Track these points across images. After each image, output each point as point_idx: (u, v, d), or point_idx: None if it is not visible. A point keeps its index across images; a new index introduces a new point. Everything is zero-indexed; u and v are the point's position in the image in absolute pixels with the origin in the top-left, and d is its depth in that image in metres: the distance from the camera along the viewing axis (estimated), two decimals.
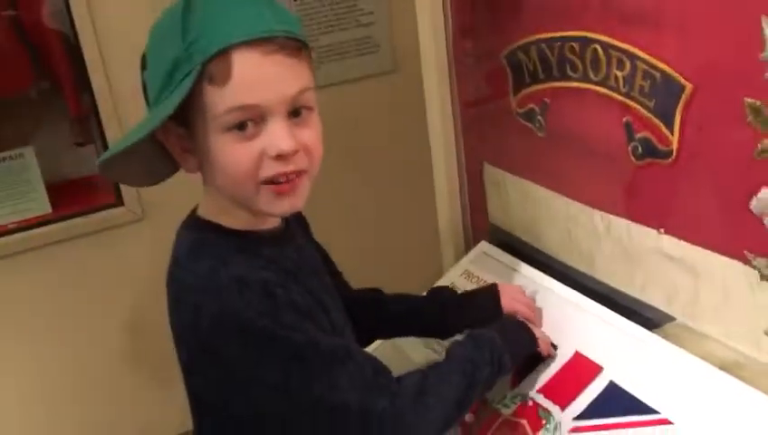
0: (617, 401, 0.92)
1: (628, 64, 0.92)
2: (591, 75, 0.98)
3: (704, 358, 0.91)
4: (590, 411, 0.93)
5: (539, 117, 1.11)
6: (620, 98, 0.94)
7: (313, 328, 0.77)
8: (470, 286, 1.21)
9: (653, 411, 0.89)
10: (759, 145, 0.78)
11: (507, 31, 1.13)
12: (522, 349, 0.97)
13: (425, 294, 1.15)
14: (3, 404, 1.86)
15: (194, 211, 0.87)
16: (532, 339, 0.98)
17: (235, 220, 0.82)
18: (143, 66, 0.80)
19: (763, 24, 0.74)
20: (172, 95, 0.72)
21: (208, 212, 0.84)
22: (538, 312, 1.08)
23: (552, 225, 1.15)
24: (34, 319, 1.88)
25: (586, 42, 0.97)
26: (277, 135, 0.74)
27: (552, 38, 1.03)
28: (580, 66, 1.00)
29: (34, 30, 1.93)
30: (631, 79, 0.92)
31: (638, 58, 0.90)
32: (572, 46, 1.00)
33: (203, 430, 0.89)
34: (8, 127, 2.00)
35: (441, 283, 1.26)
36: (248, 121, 0.74)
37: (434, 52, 1.29)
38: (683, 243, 0.92)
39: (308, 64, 0.77)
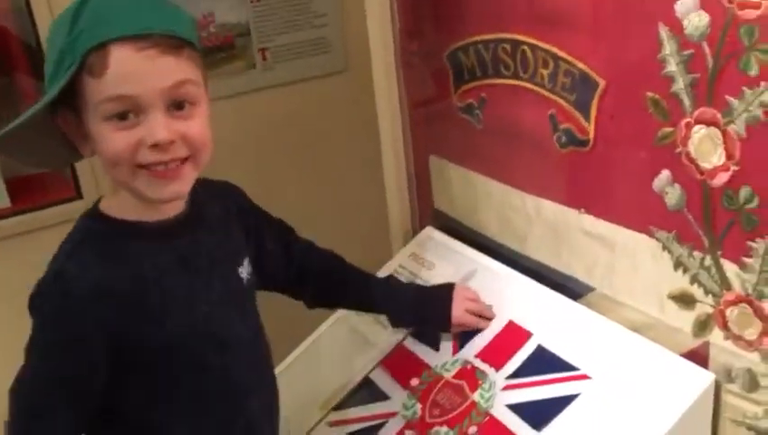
0: (544, 362, 1.04)
1: (551, 63, 1.04)
2: (521, 73, 1.10)
3: (618, 322, 1.04)
4: (520, 371, 1.05)
5: (477, 111, 1.23)
6: (546, 93, 1.07)
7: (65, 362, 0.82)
8: (416, 266, 1.32)
9: (574, 369, 1.01)
10: (659, 133, 0.91)
11: (448, 33, 1.24)
12: None
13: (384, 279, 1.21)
14: None
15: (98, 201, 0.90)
16: None
17: (126, 210, 0.86)
18: (43, 60, 0.84)
19: (660, 30, 0.87)
20: (58, 84, 0.78)
21: (107, 201, 0.89)
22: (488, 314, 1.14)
23: (489, 209, 1.27)
24: None
25: (516, 43, 1.09)
26: (152, 125, 0.78)
27: (487, 40, 1.15)
28: (511, 65, 1.12)
29: None
30: (555, 76, 1.04)
31: (560, 58, 1.02)
32: (505, 47, 1.12)
33: None
34: None
35: (390, 265, 1.36)
36: (129, 112, 0.78)
37: (382, 52, 1.39)
38: (600, 221, 1.04)
39: (191, 62, 0.82)
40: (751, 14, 0.77)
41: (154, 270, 0.85)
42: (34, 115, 0.80)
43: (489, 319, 1.14)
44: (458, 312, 1.12)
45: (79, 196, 2.00)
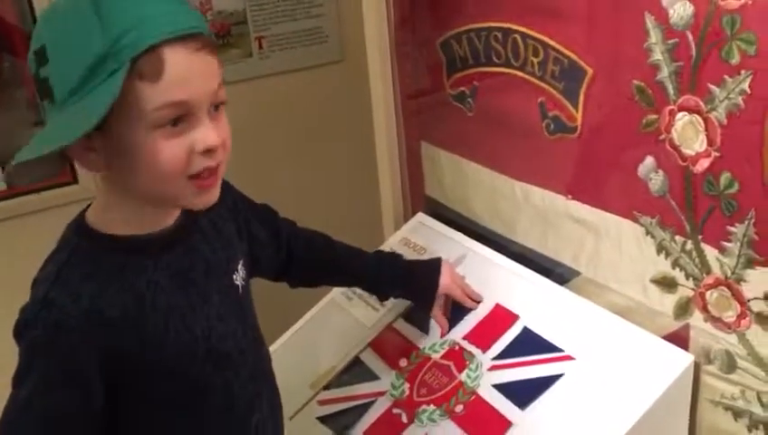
0: (529, 343, 1.07)
1: (541, 52, 1.06)
2: (512, 61, 1.13)
3: (603, 306, 1.07)
4: (507, 352, 1.07)
5: (469, 98, 1.25)
6: (536, 81, 1.09)
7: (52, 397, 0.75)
8: (407, 252, 1.34)
9: (559, 350, 1.03)
10: (644, 120, 0.93)
11: (442, 22, 1.26)
12: None
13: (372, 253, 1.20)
14: None
15: (84, 212, 0.83)
16: None
17: (116, 225, 0.80)
18: (41, 61, 0.73)
19: (646, 19, 0.89)
20: (98, 93, 0.69)
21: (96, 215, 0.81)
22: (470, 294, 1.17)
23: (479, 195, 1.29)
24: None
25: (508, 32, 1.12)
26: (204, 130, 0.74)
27: (479, 28, 1.17)
28: (503, 53, 1.14)
29: None
30: (544, 64, 1.07)
31: (550, 47, 1.05)
32: (497, 36, 1.14)
33: None
34: None
35: (381, 249, 1.39)
36: (181, 118, 0.73)
37: (377, 40, 1.41)
38: (586, 206, 1.07)
39: (220, 61, 0.78)
40: (733, 3, 0.79)
41: (148, 290, 0.80)
42: (74, 135, 0.70)
43: (476, 301, 1.16)
44: (446, 280, 1.14)
45: (75, 181, 2.02)
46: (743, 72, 0.80)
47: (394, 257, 1.20)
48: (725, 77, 0.82)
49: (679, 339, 0.97)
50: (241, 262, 0.94)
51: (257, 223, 1.02)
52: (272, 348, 1.25)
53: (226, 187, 0.95)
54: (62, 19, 0.72)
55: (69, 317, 0.74)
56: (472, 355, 1.10)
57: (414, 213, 1.45)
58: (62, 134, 0.70)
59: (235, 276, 0.91)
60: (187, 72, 0.72)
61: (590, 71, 1.00)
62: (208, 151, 0.75)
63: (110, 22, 0.69)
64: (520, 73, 1.12)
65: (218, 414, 0.87)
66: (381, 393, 1.12)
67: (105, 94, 0.68)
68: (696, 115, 0.86)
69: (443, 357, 1.13)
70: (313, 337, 1.30)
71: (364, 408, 1.12)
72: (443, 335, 1.16)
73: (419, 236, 1.37)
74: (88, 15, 0.70)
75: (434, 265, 1.17)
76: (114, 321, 0.76)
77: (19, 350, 0.76)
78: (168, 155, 0.73)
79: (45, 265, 0.80)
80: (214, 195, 0.80)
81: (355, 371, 1.19)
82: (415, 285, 1.17)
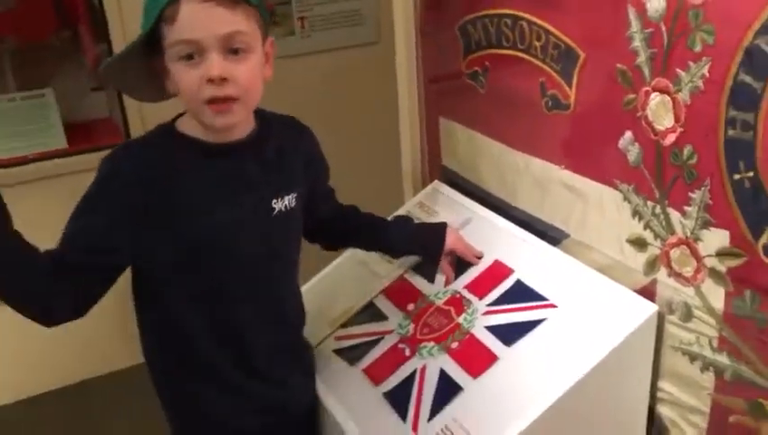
0: (520, 293, 1.22)
1: (543, 37, 1.20)
2: (519, 44, 1.27)
3: (587, 263, 1.21)
4: (499, 300, 1.23)
5: (481, 77, 1.39)
6: (538, 62, 1.23)
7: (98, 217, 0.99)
8: (422, 214, 1.50)
9: (544, 299, 1.18)
10: (625, 98, 1.07)
11: (461, 8, 1.41)
12: None
13: (390, 218, 1.42)
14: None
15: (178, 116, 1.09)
16: None
17: (192, 128, 1.04)
18: None
19: (629, 11, 1.03)
20: (144, 29, 0.98)
21: (182, 120, 1.07)
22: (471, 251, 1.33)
23: (488, 166, 1.44)
24: (42, 243, 2.14)
25: (516, 19, 1.26)
26: (208, 64, 0.96)
27: (492, 14, 1.32)
28: (511, 37, 1.28)
29: None
30: (545, 48, 1.21)
31: (551, 32, 1.19)
32: (506, 21, 1.28)
33: None
34: (32, 69, 2.26)
35: (401, 212, 1.55)
36: (194, 54, 0.95)
37: (404, 24, 1.56)
38: (576, 175, 1.21)
39: (246, 16, 0.98)
40: None
41: (189, 175, 1.03)
42: (130, 50, 1.00)
43: (477, 257, 1.31)
44: (451, 238, 1.31)
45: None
46: (703, 58, 0.93)
47: (406, 224, 1.38)
48: (690, 63, 0.95)
49: (648, 292, 1.11)
50: (291, 195, 1.13)
51: (321, 188, 1.26)
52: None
53: (309, 138, 1.22)
54: None
55: (122, 167, 1.01)
56: (470, 302, 1.25)
57: (432, 180, 1.60)
58: (123, 51, 1.01)
59: (274, 201, 1.11)
60: (194, 17, 0.95)
61: (582, 55, 1.14)
62: (211, 81, 0.96)
63: None
64: (525, 56, 1.26)
65: (207, 298, 1.08)
66: (390, 332, 1.29)
67: (145, 30, 0.98)
68: (666, 95, 1.00)
69: (445, 303, 1.28)
70: (335, 283, 1.47)
71: (374, 343, 1.28)
72: (447, 285, 1.31)
73: (434, 201, 1.53)
74: None
75: (440, 228, 1.34)
76: (150, 181, 1.00)
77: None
78: (185, 82, 0.98)
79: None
80: (229, 119, 1.01)
81: (369, 312, 1.35)
82: (425, 243, 1.34)
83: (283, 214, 1.12)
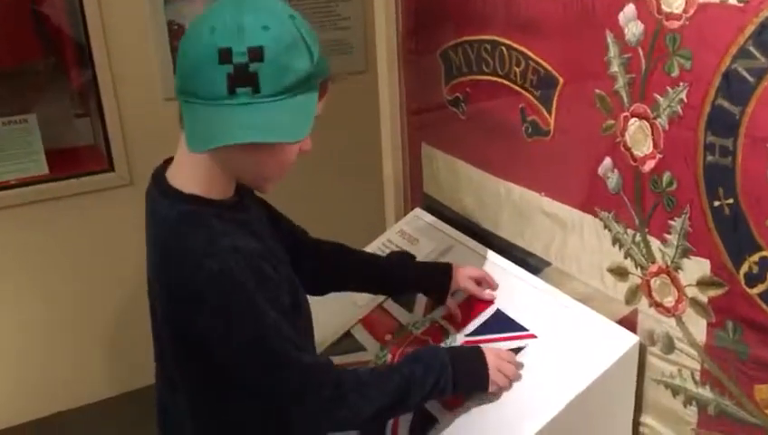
0: (500, 323, 1.19)
1: (523, 62, 1.19)
2: (498, 70, 1.25)
3: (568, 293, 1.18)
4: (479, 330, 1.19)
5: (462, 103, 1.38)
6: (517, 88, 1.22)
7: (279, 309, 0.92)
8: (402, 242, 1.47)
9: (524, 329, 1.15)
10: (603, 124, 1.05)
11: (442, 34, 1.40)
12: (471, 384, 1.05)
13: (385, 255, 1.34)
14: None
15: (164, 179, 0.96)
16: (485, 378, 1.04)
17: (212, 190, 0.94)
18: (256, 57, 0.85)
19: (607, 36, 1.01)
20: (307, 98, 0.88)
21: (187, 184, 0.94)
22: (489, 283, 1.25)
23: (469, 193, 1.42)
24: (22, 270, 2.13)
25: (495, 44, 1.25)
26: (307, 138, 0.91)
27: (472, 40, 1.30)
28: (491, 63, 1.27)
29: (44, 6, 2.16)
30: (525, 73, 1.19)
31: (530, 58, 1.17)
32: (486, 47, 1.27)
33: (183, 375, 0.99)
34: (15, 95, 2.24)
35: (380, 239, 1.52)
36: None
37: (386, 51, 1.55)
38: (556, 202, 1.19)
39: None
40: (674, 24, 0.91)
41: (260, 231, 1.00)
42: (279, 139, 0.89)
43: (492, 288, 1.24)
44: (459, 278, 1.22)
45: (111, 168, 2.20)
46: (681, 83, 0.92)
47: (407, 265, 1.29)
48: (668, 88, 0.93)
49: (629, 323, 1.08)
50: None
51: (284, 220, 1.17)
52: None
53: (265, 202, 1.12)
54: (281, 37, 0.86)
55: (252, 247, 0.92)
56: (448, 332, 1.22)
57: (414, 207, 1.58)
58: (285, 130, 0.88)
59: None
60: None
61: (561, 80, 1.12)
62: (304, 153, 0.96)
63: (310, 50, 0.88)
64: (505, 81, 1.24)
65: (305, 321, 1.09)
66: (367, 362, 1.25)
67: (311, 102, 0.89)
68: (644, 121, 0.98)
69: (423, 333, 1.25)
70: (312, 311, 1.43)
71: None
72: (425, 314, 1.28)
73: (414, 229, 1.50)
74: (298, 40, 0.87)
75: (446, 269, 1.24)
76: (255, 252, 0.93)
77: (220, 292, 0.89)
78: (292, 152, 0.95)
79: (188, 241, 0.92)
80: None
81: (345, 343, 1.32)
82: (429, 286, 1.26)
83: None
